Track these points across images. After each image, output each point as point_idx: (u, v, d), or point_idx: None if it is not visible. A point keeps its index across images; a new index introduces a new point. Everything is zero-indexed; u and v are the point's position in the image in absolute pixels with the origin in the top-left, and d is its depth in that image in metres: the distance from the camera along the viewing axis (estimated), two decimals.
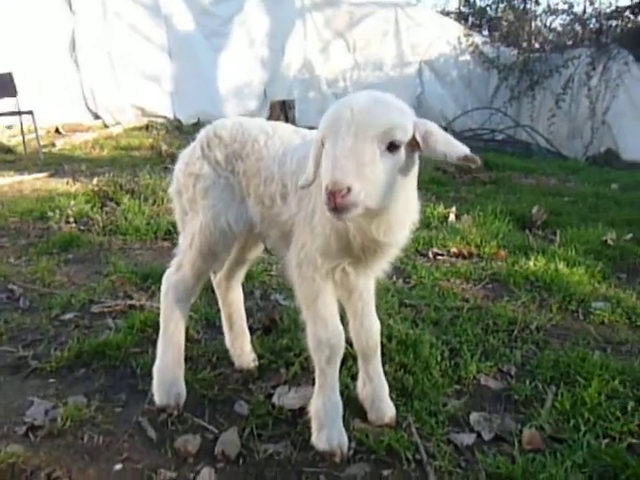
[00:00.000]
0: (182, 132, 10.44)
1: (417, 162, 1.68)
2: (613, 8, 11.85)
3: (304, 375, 2.44)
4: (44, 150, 8.29)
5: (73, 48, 10.66)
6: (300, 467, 1.91)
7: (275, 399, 2.25)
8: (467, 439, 2.09)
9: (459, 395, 2.38)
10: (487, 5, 14.24)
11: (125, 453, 1.94)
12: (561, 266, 3.82)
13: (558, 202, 6.13)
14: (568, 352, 2.69)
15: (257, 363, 2.53)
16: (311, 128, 2.18)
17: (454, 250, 4.24)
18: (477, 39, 13.06)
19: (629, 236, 4.64)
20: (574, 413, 2.21)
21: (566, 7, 12.62)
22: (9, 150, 8.58)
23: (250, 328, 2.65)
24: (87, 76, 10.79)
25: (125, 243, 4.30)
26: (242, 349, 2.53)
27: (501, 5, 13.79)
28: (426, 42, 12.67)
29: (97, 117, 11.00)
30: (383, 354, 2.25)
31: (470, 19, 14.77)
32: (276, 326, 2.90)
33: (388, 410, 2.14)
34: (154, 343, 2.36)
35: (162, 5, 11.15)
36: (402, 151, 1.55)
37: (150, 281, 3.42)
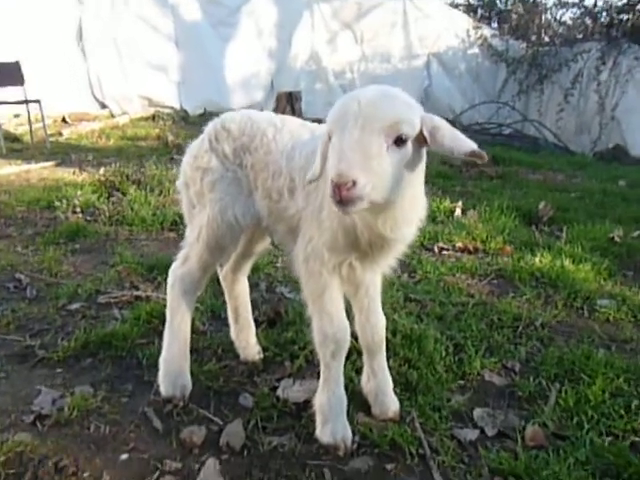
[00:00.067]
0: (188, 122, 10.45)
1: (424, 157, 1.67)
2: (624, 1, 11.71)
3: (309, 368, 2.45)
4: (51, 139, 8.31)
5: (80, 37, 10.65)
6: (304, 460, 1.92)
7: (280, 392, 2.27)
8: (470, 434, 2.10)
9: (463, 390, 2.39)
10: None
11: (131, 443, 1.96)
12: (567, 263, 3.82)
13: (565, 198, 6.11)
14: (573, 349, 2.69)
15: (262, 356, 2.55)
16: (318, 120, 2.18)
17: (460, 245, 4.24)
18: (486, 32, 12.95)
19: (636, 233, 4.63)
20: (577, 410, 2.22)
21: (577, 0, 12.50)
22: (16, 139, 8.61)
23: (255, 320, 2.66)
24: (94, 65, 10.79)
25: (131, 234, 4.31)
26: (247, 341, 2.55)
27: None
28: (434, 34, 12.58)
29: (104, 106, 11.00)
30: (388, 349, 2.26)
31: (479, 11, 14.65)
32: (281, 319, 2.92)
33: (392, 405, 2.15)
34: (160, 334, 2.38)
35: None
36: (409, 145, 1.54)
37: (156, 272, 3.44)
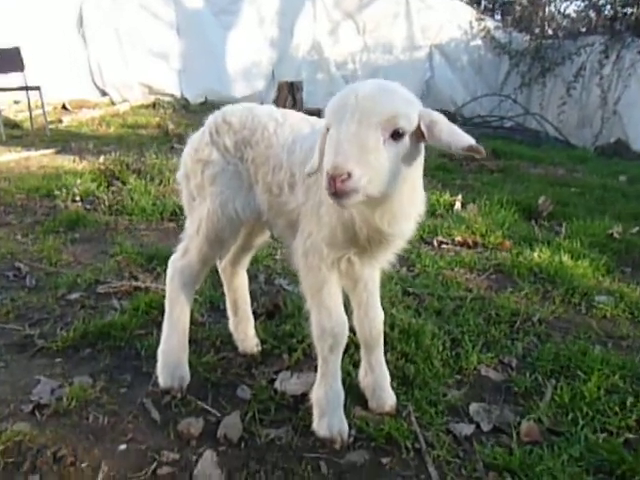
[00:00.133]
0: (189, 111, 10.42)
1: (422, 153, 1.67)
2: None
3: (306, 361, 2.47)
4: (51, 126, 8.29)
5: (81, 24, 10.58)
6: (301, 452, 1.94)
7: (277, 384, 2.28)
8: (466, 429, 2.12)
9: (459, 385, 2.40)
10: None
11: (129, 434, 1.98)
12: (565, 258, 3.82)
13: (565, 193, 6.10)
14: (569, 345, 2.70)
15: (260, 348, 2.56)
16: (318, 110, 2.17)
17: (459, 239, 4.25)
18: (489, 24, 12.86)
19: (635, 230, 4.63)
20: (573, 407, 2.23)
21: None
22: (16, 125, 8.58)
23: (254, 313, 2.67)
24: (94, 52, 10.73)
25: (131, 223, 4.32)
26: (246, 334, 2.56)
27: None
28: (437, 25, 12.49)
29: (104, 94, 10.96)
30: (385, 343, 2.27)
31: (482, 3, 14.55)
32: (279, 311, 2.93)
33: (389, 399, 2.17)
34: (159, 325, 2.40)
35: None
36: (406, 140, 1.54)
37: (155, 262, 3.44)
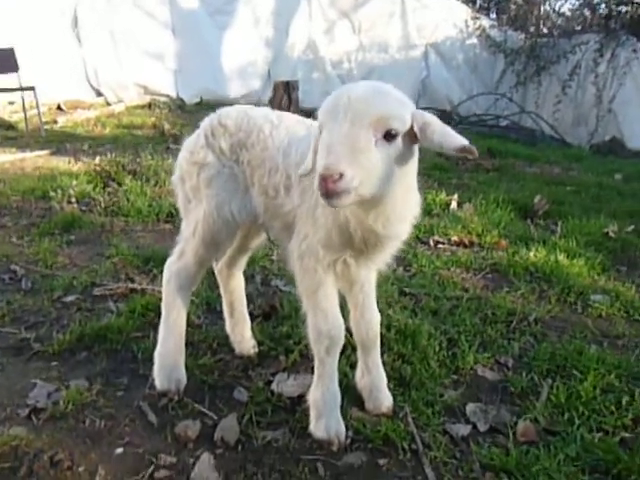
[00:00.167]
0: (185, 111, 10.39)
1: (416, 154, 1.68)
2: None
3: (303, 363, 2.47)
4: (46, 127, 8.26)
5: (75, 24, 10.54)
6: (298, 454, 1.94)
7: (274, 386, 2.28)
8: (463, 430, 2.13)
9: (456, 386, 2.41)
10: None
11: (126, 437, 1.98)
12: (561, 257, 3.84)
13: (561, 191, 6.11)
14: (565, 345, 2.71)
15: (257, 350, 2.56)
16: (314, 110, 2.17)
17: (455, 238, 4.26)
18: (484, 22, 12.84)
19: (631, 228, 4.64)
20: (569, 406, 2.24)
21: None
22: (11, 126, 8.55)
23: (250, 314, 2.68)
24: (89, 52, 10.70)
25: (127, 225, 4.31)
26: (242, 335, 2.56)
27: None
28: (432, 24, 12.47)
29: (99, 94, 10.93)
30: (382, 344, 2.27)
31: (478, 1, 14.54)
32: (276, 313, 2.93)
33: (385, 400, 2.17)
34: (155, 327, 2.39)
35: None
36: (399, 141, 1.54)
37: (152, 264, 3.44)
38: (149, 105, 10.67)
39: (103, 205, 4.57)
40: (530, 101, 12.02)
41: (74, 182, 5.00)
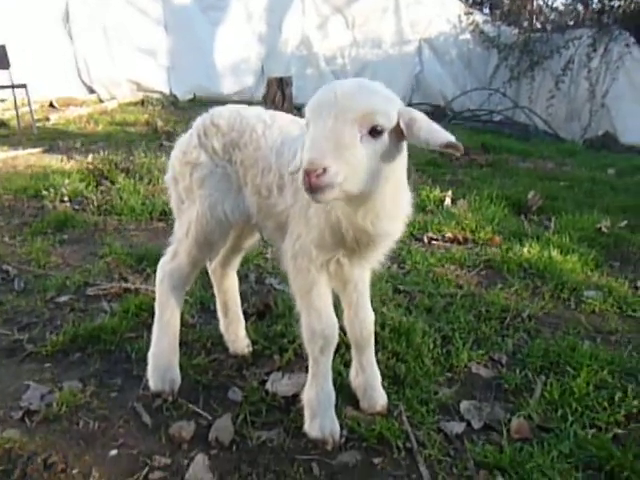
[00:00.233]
0: (178, 108, 10.36)
1: (404, 152, 1.67)
2: None
3: (297, 362, 2.47)
4: (38, 124, 8.21)
5: (67, 20, 10.47)
6: (293, 454, 1.94)
7: (269, 385, 2.28)
8: (457, 428, 2.13)
9: (450, 383, 2.42)
10: None
11: (120, 439, 1.97)
12: (555, 253, 3.85)
13: (554, 187, 6.13)
14: (559, 341, 2.72)
15: (251, 349, 2.56)
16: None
17: (449, 235, 4.26)
18: (478, 17, 12.85)
19: (623, 223, 4.66)
20: (562, 403, 2.25)
21: None
22: (2, 124, 8.50)
23: (244, 313, 2.67)
24: (81, 49, 10.65)
25: (120, 223, 4.29)
26: (236, 335, 2.55)
27: None
28: (426, 20, 12.47)
29: (92, 91, 10.88)
30: (376, 342, 2.27)
31: None
32: (270, 311, 2.93)
33: (380, 399, 2.18)
34: (149, 328, 2.38)
35: None
36: (385, 137, 1.54)
37: (145, 263, 3.43)
38: (142, 102, 10.63)
39: (96, 204, 4.55)
40: (523, 96, 12.05)
41: (66, 181, 4.97)
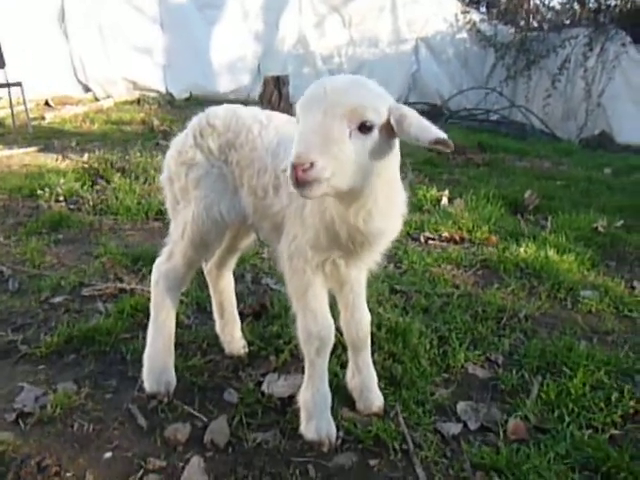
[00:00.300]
0: (174, 106, 10.32)
1: (396, 148, 1.66)
2: None
3: (293, 363, 2.46)
4: (33, 123, 8.16)
5: (62, 18, 10.42)
6: (288, 456, 1.93)
7: (264, 387, 2.27)
8: (453, 429, 2.13)
9: (447, 384, 2.41)
10: None
11: (115, 441, 1.96)
12: (551, 253, 3.85)
13: (551, 186, 6.13)
14: (555, 341, 2.72)
15: (247, 350, 2.55)
16: None
17: (446, 235, 4.26)
18: (474, 16, 12.84)
19: (620, 223, 4.67)
20: (559, 403, 2.25)
21: None
22: None
23: (240, 313, 2.66)
24: (77, 47, 10.59)
25: (116, 223, 4.27)
26: (232, 335, 2.54)
27: None
28: (422, 19, 12.45)
29: (87, 90, 10.83)
30: (372, 342, 2.26)
31: None
32: (266, 312, 2.91)
33: (376, 400, 2.17)
34: (144, 328, 2.37)
35: None
36: (375, 133, 1.53)
37: (141, 263, 3.41)
38: (138, 101, 10.58)
39: (91, 203, 4.53)
40: (520, 95, 12.05)
41: (62, 180, 4.95)
